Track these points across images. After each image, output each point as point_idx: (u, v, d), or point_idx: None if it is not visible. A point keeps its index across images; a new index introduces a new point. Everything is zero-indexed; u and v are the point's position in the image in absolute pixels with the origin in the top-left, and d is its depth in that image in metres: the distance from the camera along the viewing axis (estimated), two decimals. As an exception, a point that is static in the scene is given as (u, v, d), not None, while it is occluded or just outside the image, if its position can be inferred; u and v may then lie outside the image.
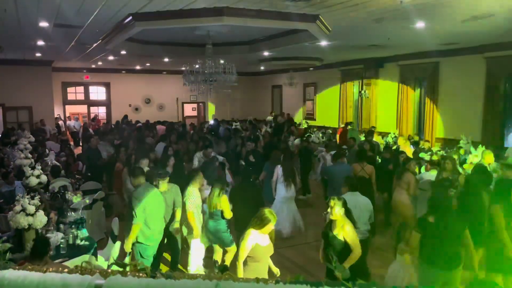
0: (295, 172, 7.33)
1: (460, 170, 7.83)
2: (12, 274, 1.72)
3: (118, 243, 5.06)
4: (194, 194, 5.51)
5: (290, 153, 8.46)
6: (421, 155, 9.13)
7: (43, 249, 3.56)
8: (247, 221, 4.68)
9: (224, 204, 5.36)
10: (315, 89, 17.65)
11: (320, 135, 14.06)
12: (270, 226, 3.93)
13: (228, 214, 5.42)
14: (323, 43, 9.59)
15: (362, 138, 11.33)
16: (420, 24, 7.36)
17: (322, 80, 17.10)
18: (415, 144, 10.59)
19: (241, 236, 4.00)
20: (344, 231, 4.13)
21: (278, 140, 11.67)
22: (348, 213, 4.27)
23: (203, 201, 5.77)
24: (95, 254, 4.94)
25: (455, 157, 8.17)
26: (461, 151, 8.55)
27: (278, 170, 7.14)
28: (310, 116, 17.96)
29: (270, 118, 18.40)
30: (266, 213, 3.94)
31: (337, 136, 13.44)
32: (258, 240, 3.90)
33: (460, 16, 6.75)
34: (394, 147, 10.19)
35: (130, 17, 6.77)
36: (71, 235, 4.99)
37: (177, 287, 1.47)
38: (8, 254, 3.26)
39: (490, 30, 7.89)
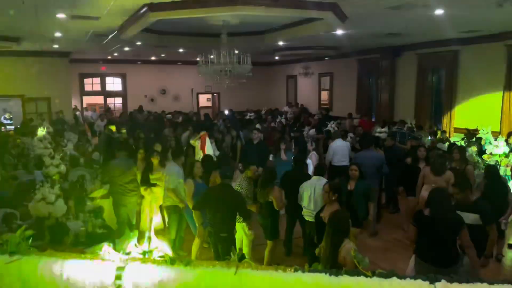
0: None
1: (480, 160, 7.70)
2: (35, 260, 1.76)
3: (135, 232, 5.14)
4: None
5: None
6: (439, 145, 8.98)
7: (62, 235, 3.64)
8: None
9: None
10: (331, 79, 17.44)
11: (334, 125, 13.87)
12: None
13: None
14: (339, 31, 9.45)
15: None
16: (439, 11, 7.18)
17: (338, 70, 16.88)
18: (433, 134, 10.42)
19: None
20: None
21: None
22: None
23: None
24: (113, 243, 5.02)
25: (474, 148, 8.00)
26: (482, 142, 8.36)
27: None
28: (325, 106, 17.75)
29: (286, 108, 18.32)
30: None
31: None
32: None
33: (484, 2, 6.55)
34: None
35: (145, 8, 6.78)
36: (89, 224, 5.09)
37: (197, 274, 1.48)
38: (30, 241, 3.33)
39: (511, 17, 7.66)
